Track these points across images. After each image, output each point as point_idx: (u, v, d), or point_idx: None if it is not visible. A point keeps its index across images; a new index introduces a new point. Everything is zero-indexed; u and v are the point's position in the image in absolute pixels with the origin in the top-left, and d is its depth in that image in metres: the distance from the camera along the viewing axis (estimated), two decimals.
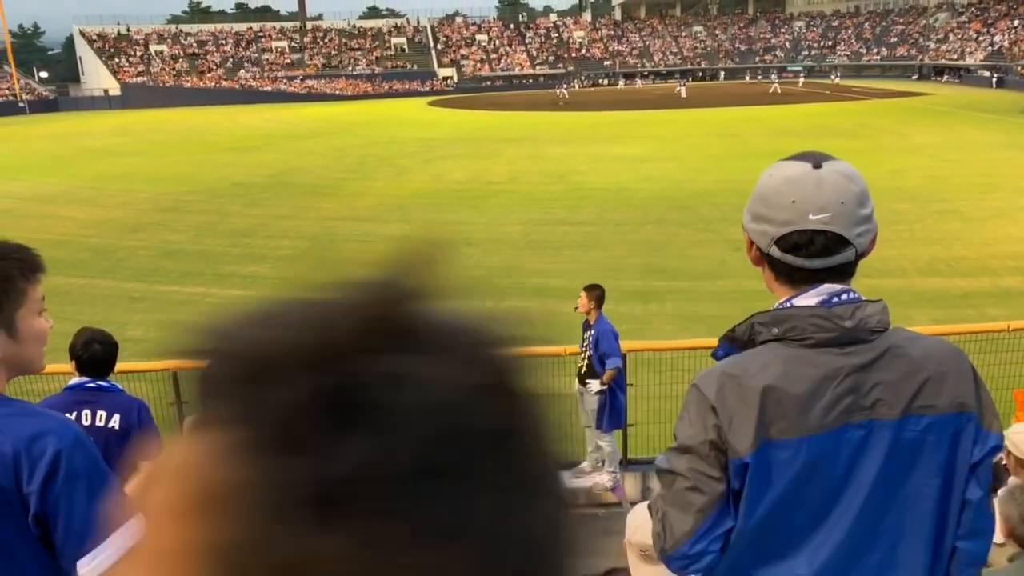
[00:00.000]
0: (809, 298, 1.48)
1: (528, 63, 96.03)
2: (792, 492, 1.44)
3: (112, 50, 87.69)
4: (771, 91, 64.46)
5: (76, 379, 3.75)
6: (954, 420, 1.49)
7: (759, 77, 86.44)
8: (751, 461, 1.42)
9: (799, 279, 1.49)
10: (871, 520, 1.48)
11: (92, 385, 3.74)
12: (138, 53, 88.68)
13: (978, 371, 1.55)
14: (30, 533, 1.57)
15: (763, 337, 1.50)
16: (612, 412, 6.62)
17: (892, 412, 1.46)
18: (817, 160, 1.48)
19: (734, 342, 1.56)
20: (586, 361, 6.66)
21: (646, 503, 3.04)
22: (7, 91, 78.15)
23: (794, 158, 1.52)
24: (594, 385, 6.51)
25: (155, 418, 3.98)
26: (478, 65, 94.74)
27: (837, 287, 1.49)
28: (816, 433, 1.43)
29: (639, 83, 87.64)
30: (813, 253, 1.45)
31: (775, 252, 1.48)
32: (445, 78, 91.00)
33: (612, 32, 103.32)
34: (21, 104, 75.11)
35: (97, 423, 3.53)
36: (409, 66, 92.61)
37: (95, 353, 3.75)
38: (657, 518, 1.53)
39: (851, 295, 1.50)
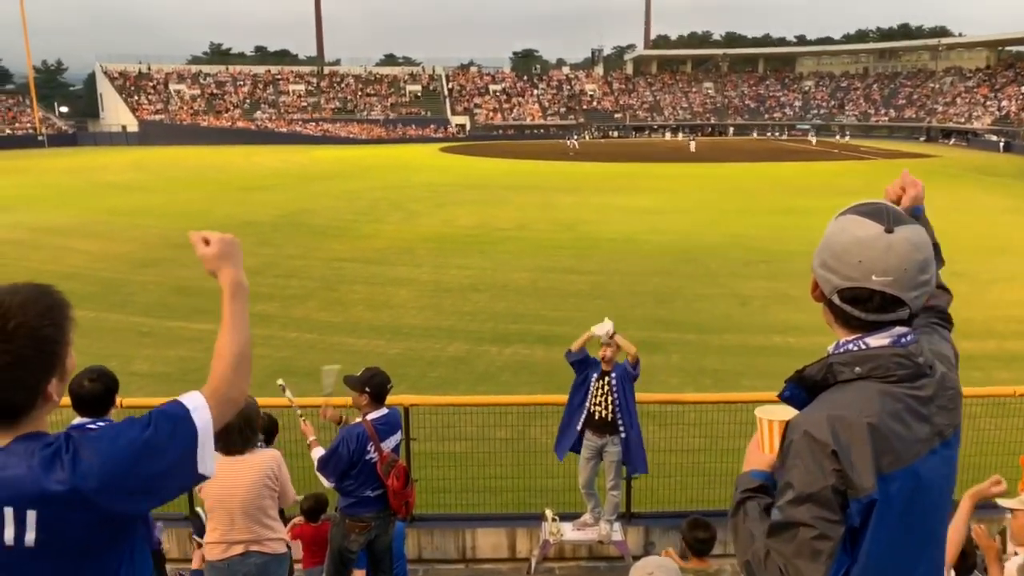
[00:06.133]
0: (882, 338, 1.61)
1: (540, 113, 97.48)
2: (904, 522, 1.55)
3: (132, 88, 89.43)
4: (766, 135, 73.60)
5: (77, 419, 3.70)
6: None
7: (767, 134, 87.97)
8: (878, 497, 1.50)
9: (855, 326, 1.63)
10: (943, 530, 1.71)
11: (92, 427, 3.68)
12: (158, 91, 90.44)
13: None
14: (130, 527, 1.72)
15: (844, 376, 1.60)
16: (640, 451, 6.45)
17: (950, 432, 1.64)
18: (890, 223, 1.59)
19: (803, 382, 1.66)
20: (610, 408, 6.40)
21: (647, 558, 3.01)
22: (27, 125, 79.60)
23: (867, 214, 1.61)
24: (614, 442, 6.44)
25: None
26: (491, 114, 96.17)
27: (903, 328, 1.62)
28: (912, 463, 1.55)
29: (680, 136, 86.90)
30: (870, 308, 1.60)
31: (836, 300, 1.63)
32: (458, 125, 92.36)
33: (623, 86, 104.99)
34: (40, 137, 76.49)
35: None
36: (423, 113, 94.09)
37: (82, 390, 3.72)
38: (775, 574, 1.53)
39: (914, 335, 1.64)
